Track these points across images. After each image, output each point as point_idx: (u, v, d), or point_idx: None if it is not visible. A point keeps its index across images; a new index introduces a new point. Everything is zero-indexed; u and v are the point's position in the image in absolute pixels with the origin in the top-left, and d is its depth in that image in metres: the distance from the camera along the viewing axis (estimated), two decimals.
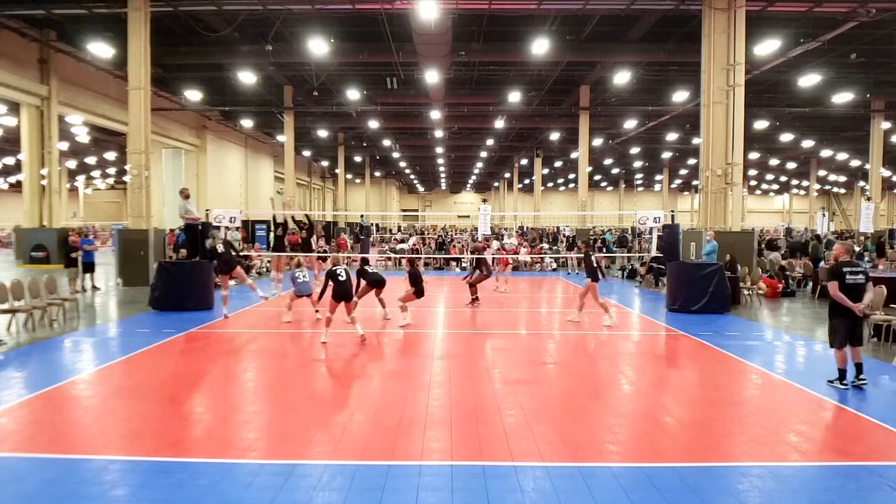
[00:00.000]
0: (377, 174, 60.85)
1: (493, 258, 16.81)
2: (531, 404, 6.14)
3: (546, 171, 50.43)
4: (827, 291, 6.83)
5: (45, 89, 20.73)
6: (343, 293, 9.24)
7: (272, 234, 20.82)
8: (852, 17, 15.80)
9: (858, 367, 6.88)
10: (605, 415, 5.99)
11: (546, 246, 26.11)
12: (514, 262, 22.62)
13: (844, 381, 6.79)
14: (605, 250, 25.19)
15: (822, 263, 17.26)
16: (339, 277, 9.23)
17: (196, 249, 12.93)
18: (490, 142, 40.27)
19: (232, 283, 12.19)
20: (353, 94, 25.56)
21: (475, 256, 14.21)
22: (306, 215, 18.14)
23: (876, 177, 28.86)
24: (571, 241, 27.75)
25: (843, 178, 58.51)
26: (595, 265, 10.77)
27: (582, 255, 11.59)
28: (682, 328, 10.56)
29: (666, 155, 47.53)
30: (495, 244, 24.85)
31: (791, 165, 50.59)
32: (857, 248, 21.62)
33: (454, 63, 21.80)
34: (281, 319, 10.96)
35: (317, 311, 11.29)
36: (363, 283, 10.63)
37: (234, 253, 12.06)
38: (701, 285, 12.26)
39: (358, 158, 50.21)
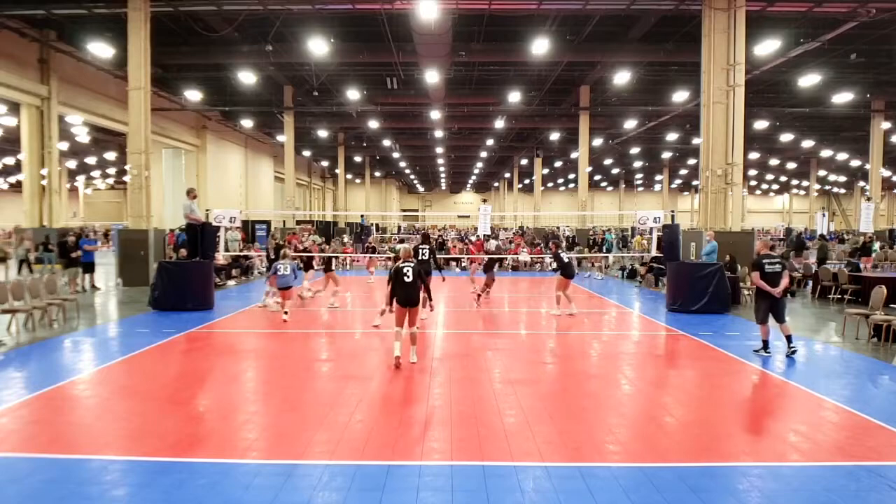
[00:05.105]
0: (377, 174, 60.80)
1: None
2: (531, 404, 6.13)
3: (546, 171, 50.38)
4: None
5: (45, 89, 20.69)
6: (406, 298, 7.59)
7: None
8: (852, 17, 15.79)
9: (788, 339, 8.24)
10: (606, 415, 5.99)
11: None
12: (515, 263, 22.67)
13: (767, 350, 8.34)
14: (605, 249, 25.25)
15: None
16: (406, 278, 7.57)
17: (196, 249, 12.93)
18: (490, 142, 40.24)
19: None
20: (353, 94, 25.54)
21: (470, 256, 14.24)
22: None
23: (876, 177, 28.84)
24: (571, 241, 27.75)
25: (843, 178, 58.49)
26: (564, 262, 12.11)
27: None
28: (682, 328, 10.56)
29: (666, 155, 47.51)
30: (493, 243, 24.85)
31: (791, 165, 50.57)
32: (850, 248, 21.60)
33: (454, 63, 21.79)
34: (281, 318, 10.96)
35: (286, 304, 11.04)
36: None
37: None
38: (701, 285, 12.27)
39: (358, 158, 50.19)
